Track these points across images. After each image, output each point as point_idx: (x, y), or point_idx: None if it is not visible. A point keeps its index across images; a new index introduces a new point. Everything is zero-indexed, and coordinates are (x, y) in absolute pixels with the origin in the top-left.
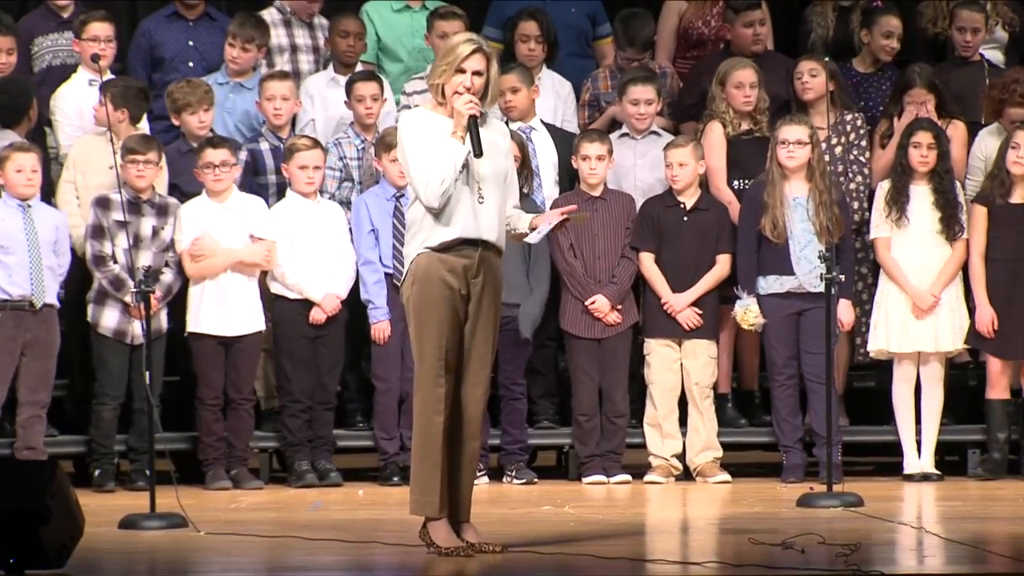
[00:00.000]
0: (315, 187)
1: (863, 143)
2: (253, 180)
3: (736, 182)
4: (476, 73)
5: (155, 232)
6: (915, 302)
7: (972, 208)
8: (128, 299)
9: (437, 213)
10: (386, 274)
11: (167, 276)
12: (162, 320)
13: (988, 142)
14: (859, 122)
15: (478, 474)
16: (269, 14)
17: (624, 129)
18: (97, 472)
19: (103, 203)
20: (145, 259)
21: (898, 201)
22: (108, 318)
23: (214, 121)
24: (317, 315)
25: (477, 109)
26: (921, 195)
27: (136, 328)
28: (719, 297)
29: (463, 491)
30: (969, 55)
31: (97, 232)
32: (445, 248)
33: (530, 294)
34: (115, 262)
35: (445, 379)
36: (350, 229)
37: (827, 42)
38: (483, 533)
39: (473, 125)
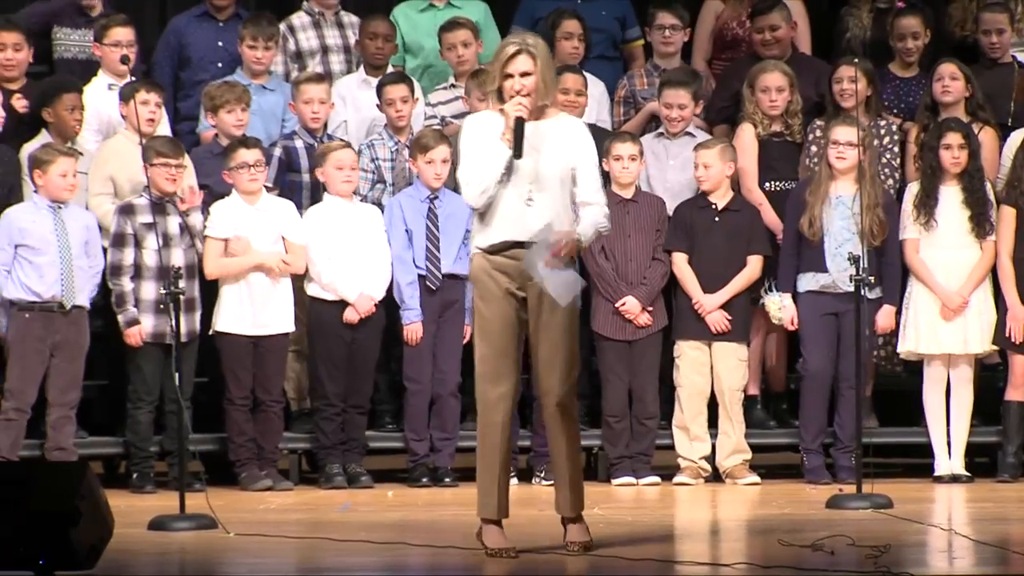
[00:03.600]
0: (353, 187)
1: (895, 148)
2: (287, 177)
3: (768, 184)
4: (524, 74)
5: (182, 229)
6: (944, 303)
7: (1001, 210)
8: (121, 318)
9: (482, 215)
10: (419, 275)
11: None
12: (195, 322)
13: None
14: (893, 126)
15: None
16: (298, 17)
17: (661, 128)
18: (135, 475)
19: (127, 210)
20: (177, 257)
21: (927, 204)
22: (144, 321)
23: None
24: (350, 315)
25: (524, 111)
26: (951, 196)
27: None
28: (749, 299)
29: (558, 487)
30: (998, 56)
31: (118, 240)
32: (494, 250)
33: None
34: (137, 267)
35: (505, 380)
36: (386, 231)
37: (864, 44)
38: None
39: (519, 127)
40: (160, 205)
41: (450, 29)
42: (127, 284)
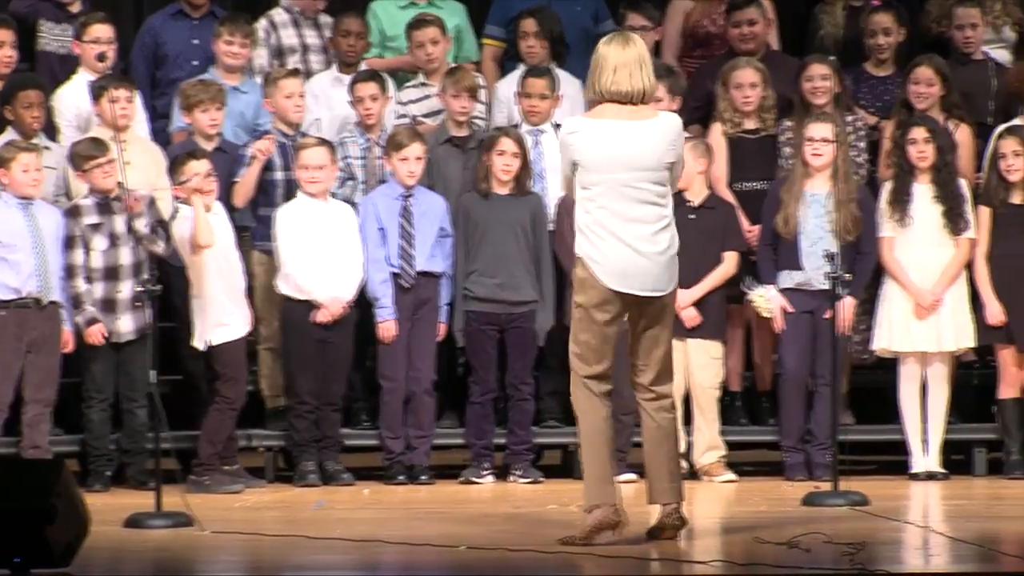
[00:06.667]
0: (320, 187)
1: (862, 144)
2: (261, 176)
3: (742, 183)
4: None
5: (129, 228)
6: (917, 301)
7: (977, 209)
8: (79, 319)
9: None
10: (393, 273)
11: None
12: (144, 320)
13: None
14: (859, 122)
15: (483, 472)
16: (278, 14)
17: None
18: (90, 474)
19: (74, 212)
20: (124, 257)
21: (900, 200)
22: (82, 323)
23: None
24: (321, 316)
25: None
26: (923, 192)
27: (120, 327)
28: (726, 297)
29: (649, 475)
30: (971, 52)
31: (69, 242)
32: None
33: (541, 302)
34: (89, 268)
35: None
36: (360, 229)
37: (837, 42)
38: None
39: None
40: (106, 205)
41: (418, 27)
42: (81, 285)
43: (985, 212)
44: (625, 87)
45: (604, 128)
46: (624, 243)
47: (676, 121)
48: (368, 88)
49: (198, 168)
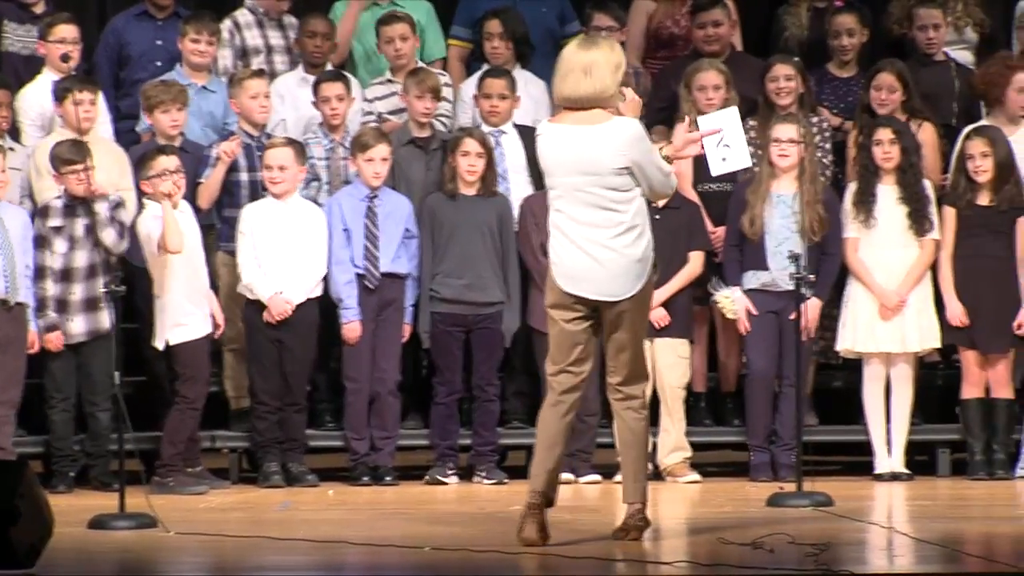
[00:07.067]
0: (282, 187)
1: (827, 145)
2: (226, 177)
3: (706, 184)
4: None
5: (88, 231)
6: (882, 302)
7: (942, 210)
8: (42, 322)
9: None
10: (357, 274)
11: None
12: (102, 320)
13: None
14: (824, 124)
15: (448, 472)
16: (242, 15)
17: None
18: (53, 475)
19: (43, 212)
20: (80, 259)
21: (864, 201)
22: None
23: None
24: (265, 315)
25: None
26: (887, 193)
27: (72, 328)
28: (692, 297)
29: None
30: (933, 52)
31: (39, 243)
32: None
33: (507, 303)
34: (53, 270)
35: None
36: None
37: (801, 43)
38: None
39: None
40: (72, 208)
41: (388, 22)
42: (50, 288)
43: (950, 213)
44: (567, 92)
45: (560, 132)
46: (578, 247)
47: (630, 126)
48: (334, 88)
49: (167, 164)
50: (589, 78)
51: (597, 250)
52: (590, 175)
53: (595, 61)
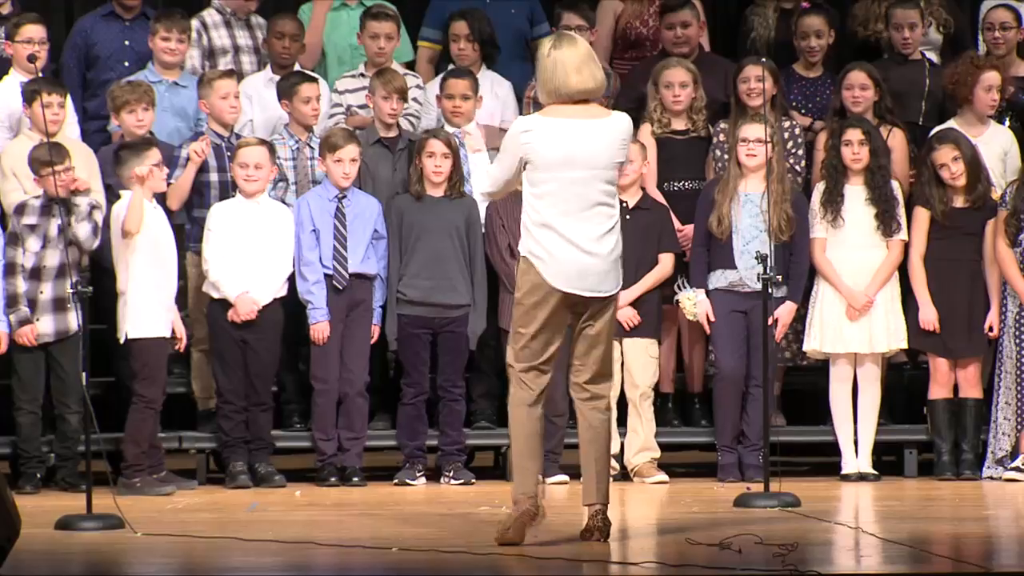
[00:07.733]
0: (256, 185)
1: (799, 151)
2: (195, 177)
3: (672, 184)
4: None
5: (60, 231)
6: (849, 302)
7: (914, 210)
8: (12, 318)
9: None
10: (326, 275)
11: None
12: (70, 321)
13: (1002, 138)
14: (796, 128)
15: (417, 475)
16: (209, 15)
17: None
18: (21, 476)
19: (20, 210)
20: (51, 258)
21: (832, 202)
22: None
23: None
24: (231, 314)
25: None
26: (855, 194)
27: (40, 327)
28: (661, 297)
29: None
30: (909, 52)
31: (12, 239)
32: None
33: (473, 306)
34: (24, 268)
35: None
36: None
37: (768, 44)
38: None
39: None
40: (48, 207)
41: (377, 18)
42: (21, 284)
43: (922, 214)
44: (582, 84)
45: (559, 126)
46: (572, 243)
47: (628, 121)
48: (314, 89)
49: (156, 158)
50: (599, 69)
51: (592, 245)
52: (592, 169)
53: (593, 54)
